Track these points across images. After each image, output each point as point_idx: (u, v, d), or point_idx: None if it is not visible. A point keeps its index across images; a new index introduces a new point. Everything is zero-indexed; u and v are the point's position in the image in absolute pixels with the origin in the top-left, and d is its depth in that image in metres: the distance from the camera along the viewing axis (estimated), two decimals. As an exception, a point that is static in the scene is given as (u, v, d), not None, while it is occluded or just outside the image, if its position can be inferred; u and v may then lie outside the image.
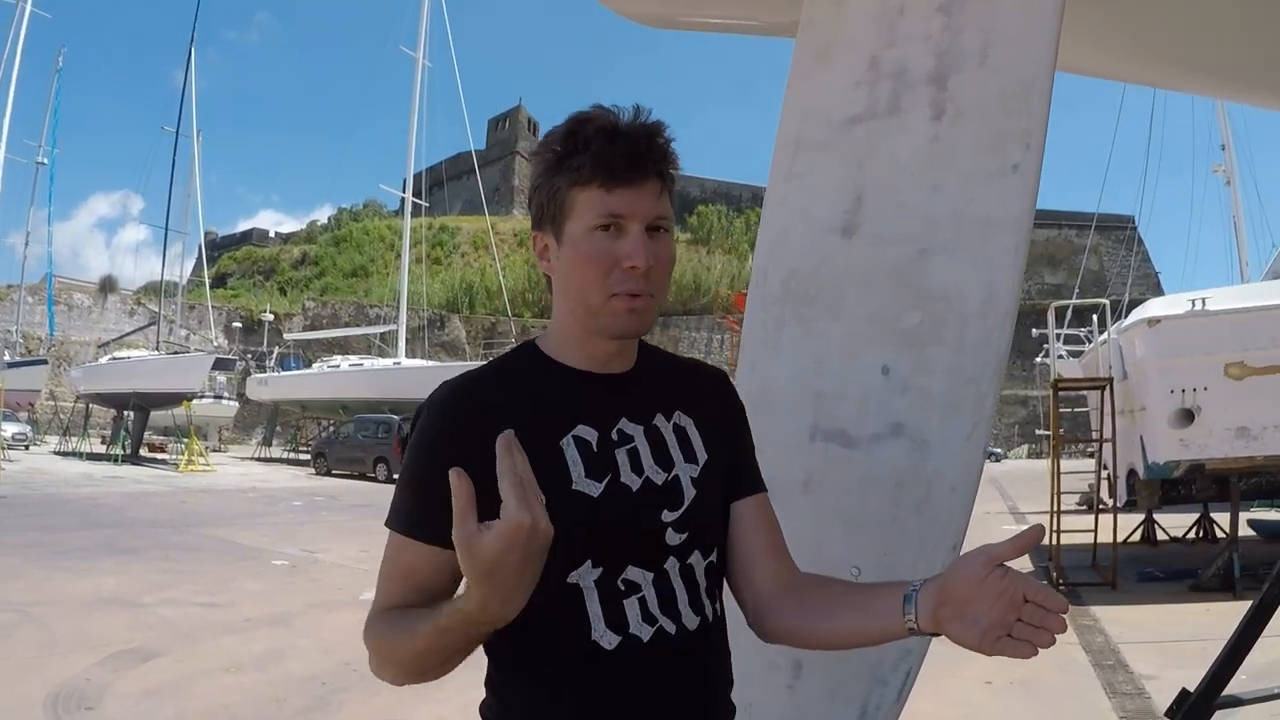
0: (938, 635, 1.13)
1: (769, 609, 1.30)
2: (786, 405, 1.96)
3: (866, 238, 1.90)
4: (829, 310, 1.93)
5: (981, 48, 1.85)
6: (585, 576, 1.17)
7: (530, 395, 1.23)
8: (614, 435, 1.24)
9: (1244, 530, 11.26)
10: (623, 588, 1.19)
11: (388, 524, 1.18)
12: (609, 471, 1.21)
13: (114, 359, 39.20)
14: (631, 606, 1.19)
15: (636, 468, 1.24)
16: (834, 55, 2.09)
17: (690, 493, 1.27)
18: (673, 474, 1.26)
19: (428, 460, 1.14)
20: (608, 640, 1.17)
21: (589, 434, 1.22)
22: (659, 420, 1.29)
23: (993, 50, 1.84)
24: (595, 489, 1.19)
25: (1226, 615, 3.00)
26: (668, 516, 1.24)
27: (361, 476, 28.30)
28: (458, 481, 0.96)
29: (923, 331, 1.77)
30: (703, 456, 1.31)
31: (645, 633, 1.19)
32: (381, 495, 22.65)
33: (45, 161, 45.46)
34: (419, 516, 1.15)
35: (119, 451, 33.19)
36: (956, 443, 1.70)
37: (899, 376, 1.77)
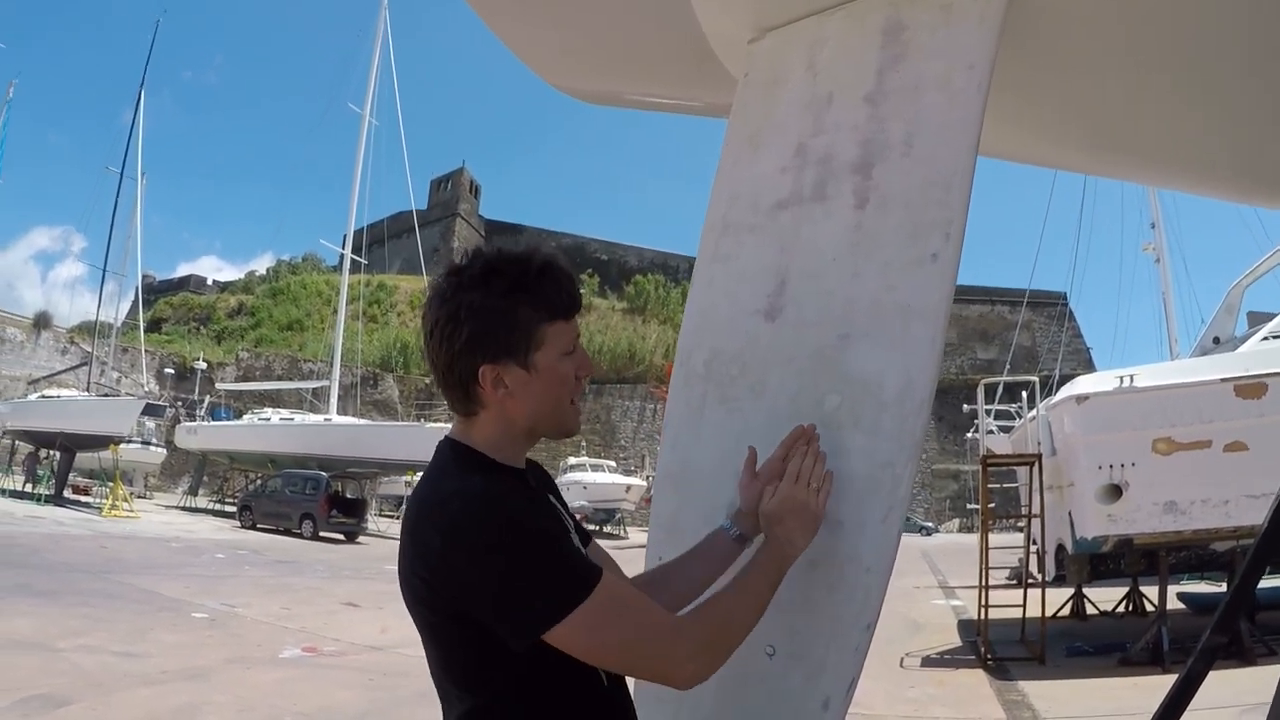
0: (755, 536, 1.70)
1: None
2: (707, 483, 1.97)
3: (789, 321, 1.92)
4: (751, 391, 1.95)
5: (906, 138, 1.90)
6: None
7: (527, 487, 1.50)
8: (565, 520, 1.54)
9: (1173, 603, 11.45)
10: None
11: (589, 584, 1.34)
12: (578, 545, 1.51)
13: (44, 397, 38.29)
14: None
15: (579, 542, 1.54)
16: (763, 141, 2.14)
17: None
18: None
19: (542, 539, 1.35)
20: (603, 676, 1.45)
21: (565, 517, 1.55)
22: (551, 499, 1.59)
23: (916, 141, 1.89)
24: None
25: (1154, 689, 3.05)
26: None
27: (287, 532, 27.85)
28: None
29: (841, 415, 1.78)
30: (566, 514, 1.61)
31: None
32: (307, 552, 22.33)
33: (-11, 192, 44.47)
34: (589, 564, 1.38)
35: (43, 491, 32.30)
36: (872, 525, 1.71)
37: (817, 458, 1.79)
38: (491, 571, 1.31)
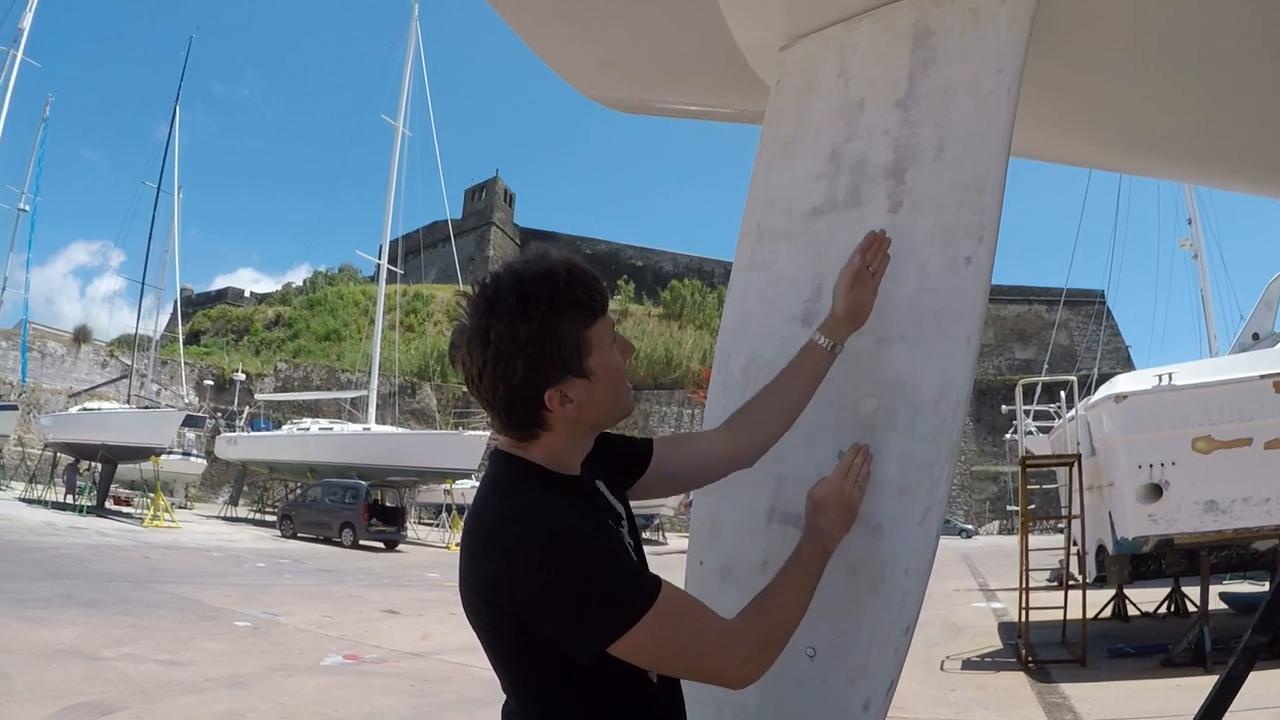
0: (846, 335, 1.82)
1: (741, 451, 1.77)
2: (747, 488, 1.99)
3: (825, 326, 1.94)
4: (788, 396, 1.97)
5: (937, 142, 1.92)
6: None
7: (584, 503, 1.50)
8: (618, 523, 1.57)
9: (1215, 604, 11.26)
10: None
11: (651, 596, 1.36)
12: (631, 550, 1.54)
13: (84, 410, 38.67)
14: None
15: (632, 544, 1.56)
16: (797, 147, 2.16)
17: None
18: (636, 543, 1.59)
19: (601, 553, 1.37)
20: (654, 676, 1.47)
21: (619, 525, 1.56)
22: (603, 489, 1.61)
23: (948, 145, 1.90)
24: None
25: (1197, 690, 3.02)
26: None
27: (327, 541, 27.95)
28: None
29: (878, 418, 1.80)
30: (622, 507, 1.64)
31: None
32: (347, 560, 22.44)
33: (27, 209, 44.71)
34: (649, 575, 1.41)
35: (84, 503, 32.66)
36: (910, 527, 1.73)
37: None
38: (552, 587, 1.33)
